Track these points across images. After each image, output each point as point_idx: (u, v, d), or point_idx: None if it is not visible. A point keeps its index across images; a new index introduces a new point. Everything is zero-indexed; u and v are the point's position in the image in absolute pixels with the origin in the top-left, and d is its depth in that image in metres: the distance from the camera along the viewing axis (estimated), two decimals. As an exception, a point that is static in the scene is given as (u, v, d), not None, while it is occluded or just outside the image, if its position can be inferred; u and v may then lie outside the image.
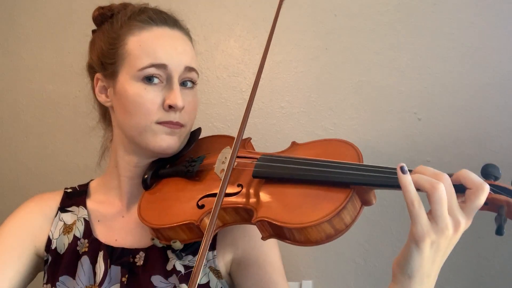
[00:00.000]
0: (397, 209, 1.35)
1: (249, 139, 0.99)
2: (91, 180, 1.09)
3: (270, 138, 1.46)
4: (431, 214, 0.65)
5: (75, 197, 1.03)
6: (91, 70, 0.99)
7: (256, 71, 0.88)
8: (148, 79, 0.89)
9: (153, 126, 0.90)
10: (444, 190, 0.64)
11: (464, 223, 0.66)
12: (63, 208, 1.01)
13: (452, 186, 0.66)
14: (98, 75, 0.96)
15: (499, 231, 0.64)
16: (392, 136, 1.39)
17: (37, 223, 0.99)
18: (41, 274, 1.01)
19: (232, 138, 1.00)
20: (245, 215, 0.82)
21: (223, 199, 0.75)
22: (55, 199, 1.02)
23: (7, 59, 1.63)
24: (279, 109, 1.46)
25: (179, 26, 0.97)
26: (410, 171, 0.69)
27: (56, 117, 1.59)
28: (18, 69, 1.62)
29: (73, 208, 1.01)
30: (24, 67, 1.62)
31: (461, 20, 1.36)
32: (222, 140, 1.01)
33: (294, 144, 0.93)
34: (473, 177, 0.66)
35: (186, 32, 0.98)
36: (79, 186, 1.07)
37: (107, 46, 0.93)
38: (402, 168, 0.67)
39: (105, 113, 1.03)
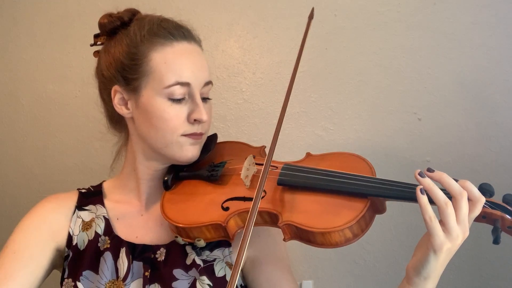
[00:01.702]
0: (397, 210, 1.35)
1: (263, 147, 1.07)
2: (103, 181, 1.12)
3: (270, 138, 1.45)
4: (444, 226, 0.76)
5: (91, 196, 1.07)
6: (106, 81, 1.00)
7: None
8: (174, 97, 0.94)
9: (179, 138, 0.96)
10: (452, 207, 0.76)
11: (468, 231, 0.78)
12: (80, 206, 1.05)
13: (467, 201, 0.77)
14: (116, 87, 0.98)
15: (496, 241, 0.77)
16: (392, 136, 1.39)
17: (56, 220, 1.02)
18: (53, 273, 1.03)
19: (247, 145, 1.10)
20: (267, 218, 0.90)
21: (258, 204, 0.83)
22: (72, 198, 1.06)
23: (7, 59, 1.63)
24: (279, 109, 1.46)
25: (194, 38, 1.01)
26: (432, 170, 0.80)
27: (56, 117, 1.59)
28: (18, 69, 1.62)
29: (90, 206, 1.05)
30: (24, 67, 1.62)
31: (461, 20, 1.36)
32: (238, 147, 1.10)
33: (309, 155, 1.02)
34: (475, 191, 0.79)
35: (200, 44, 1.04)
36: (92, 186, 1.11)
37: (128, 60, 0.96)
38: (421, 191, 0.78)
39: (119, 121, 1.05)
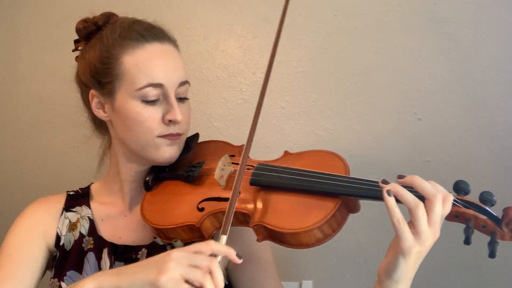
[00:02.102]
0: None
1: (243, 146, 1.03)
2: (92, 183, 1.13)
3: (270, 138, 1.46)
4: (414, 228, 0.74)
5: (78, 198, 1.08)
6: (84, 86, 1.02)
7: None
8: (147, 99, 0.94)
9: (155, 140, 0.96)
10: (424, 209, 0.74)
11: (439, 232, 0.76)
12: (67, 208, 1.06)
13: (441, 203, 0.75)
14: (93, 91, 0.99)
15: (467, 241, 0.75)
16: (392, 136, 1.39)
17: (46, 221, 1.04)
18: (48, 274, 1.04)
19: (226, 143, 1.08)
20: (242, 218, 0.89)
21: (234, 204, 0.82)
22: (59, 200, 1.08)
23: (7, 59, 1.63)
24: (279, 109, 1.46)
25: (167, 38, 1.00)
26: (403, 176, 0.79)
27: (56, 117, 1.59)
28: (18, 69, 1.62)
29: (77, 208, 1.07)
30: (24, 67, 1.62)
31: (461, 20, 1.36)
32: (218, 146, 1.08)
33: (286, 153, 1.01)
34: (442, 190, 0.77)
35: (174, 43, 1.02)
36: (80, 189, 1.12)
37: (101, 64, 0.96)
38: (388, 192, 0.76)
39: (101, 124, 1.06)
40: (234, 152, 1.03)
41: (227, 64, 1.49)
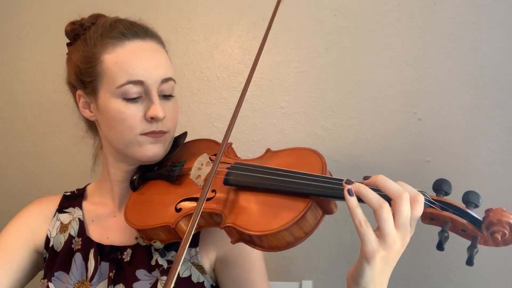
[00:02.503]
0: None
1: (230, 144, 1.02)
2: (89, 184, 1.14)
3: (270, 138, 1.46)
4: (379, 231, 0.69)
5: (73, 199, 1.10)
6: (72, 87, 1.04)
7: (256, 71, 0.88)
8: (128, 96, 0.93)
9: (138, 137, 0.95)
10: (389, 210, 0.68)
11: (410, 235, 0.70)
12: (61, 209, 1.08)
13: (409, 203, 0.69)
14: (79, 91, 1.00)
15: (439, 247, 0.68)
16: (392, 136, 1.39)
17: (36, 223, 1.05)
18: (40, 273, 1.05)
19: (214, 141, 1.05)
20: (217, 219, 0.87)
21: (201, 205, 0.76)
22: (54, 201, 1.09)
23: (7, 59, 1.63)
24: (279, 109, 1.46)
25: (150, 35, 0.99)
26: (368, 177, 0.73)
27: (56, 117, 1.59)
28: (18, 69, 1.62)
29: (70, 209, 1.08)
30: (24, 67, 1.62)
31: (461, 20, 1.36)
32: (204, 145, 1.05)
33: (268, 151, 0.96)
34: (411, 190, 0.71)
35: (158, 40, 1.01)
36: (77, 189, 1.13)
37: (83, 64, 0.97)
38: (349, 191, 0.71)
39: (91, 125, 1.07)
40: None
41: (227, 64, 1.49)
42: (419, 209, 0.70)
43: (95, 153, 1.12)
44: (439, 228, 0.72)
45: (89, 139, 1.11)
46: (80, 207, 1.07)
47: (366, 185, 0.72)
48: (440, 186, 0.74)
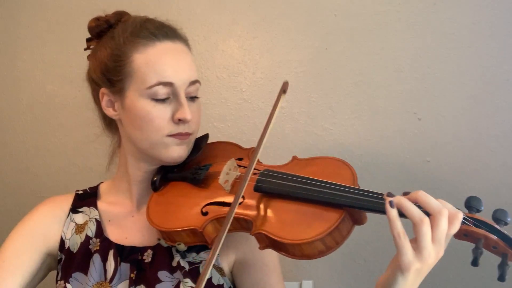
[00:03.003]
0: (397, 209, 1.35)
1: (253, 148, 1.02)
2: (101, 182, 1.12)
3: (270, 138, 1.45)
4: (416, 244, 0.70)
5: (86, 198, 1.07)
6: (94, 84, 1.01)
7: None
8: (157, 97, 0.93)
9: (164, 139, 0.95)
10: (429, 225, 0.70)
11: (443, 250, 0.72)
12: (74, 209, 1.06)
13: (447, 220, 0.70)
14: (103, 90, 0.99)
15: (474, 263, 0.71)
16: (392, 136, 1.39)
17: (49, 225, 1.03)
18: (52, 273, 1.04)
19: (234, 144, 1.06)
20: (244, 224, 0.87)
21: (234, 210, 0.80)
22: (67, 201, 1.07)
23: (7, 59, 1.63)
24: (279, 109, 1.46)
25: (179, 37, 1.00)
26: (408, 193, 0.74)
27: (56, 117, 1.59)
28: (18, 69, 1.62)
29: (84, 208, 1.06)
30: (24, 67, 1.62)
31: (461, 20, 1.36)
32: (227, 148, 1.06)
33: (295, 158, 0.98)
34: (451, 207, 0.72)
35: (185, 42, 1.02)
36: (89, 188, 1.11)
37: (112, 62, 0.96)
38: (390, 203, 0.72)
39: (111, 123, 1.06)
40: (243, 155, 1.01)
41: (227, 64, 1.49)
42: (457, 226, 0.71)
43: (112, 152, 1.10)
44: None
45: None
46: (96, 207, 1.05)
47: (407, 199, 0.73)
48: (473, 204, 0.75)
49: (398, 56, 1.39)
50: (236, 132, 1.47)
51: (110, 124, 1.06)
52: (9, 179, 1.63)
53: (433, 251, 0.70)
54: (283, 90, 0.97)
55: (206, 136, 1.06)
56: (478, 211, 0.76)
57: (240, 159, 0.99)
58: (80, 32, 1.56)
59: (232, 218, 0.79)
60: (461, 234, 0.74)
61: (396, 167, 1.37)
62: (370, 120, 1.40)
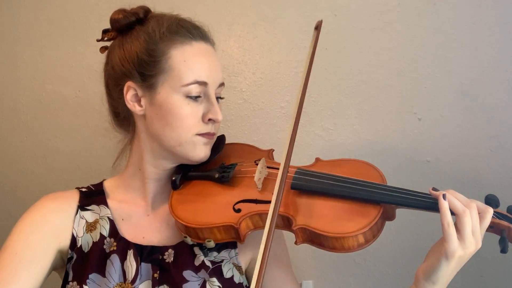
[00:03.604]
0: (398, 210, 1.35)
1: (272, 150, 1.08)
2: (104, 180, 1.09)
3: (270, 138, 1.46)
4: (460, 234, 0.80)
5: (93, 196, 1.04)
6: (118, 77, 0.98)
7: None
8: (192, 95, 0.95)
9: (194, 137, 0.96)
10: (470, 216, 0.80)
11: (480, 242, 0.82)
12: (82, 206, 1.01)
13: (477, 213, 0.81)
14: (130, 83, 0.97)
15: (503, 250, 0.81)
16: (392, 136, 1.39)
17: (59, 220, 0.98)
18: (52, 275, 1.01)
19: (254, 147, 1.10)
20: (280, 222, 0.91)
21: (278, 208, 0.85)
22: (73, 197, 1.03)
23: (7, 59, 1.63)
24: (279, 109, 1.46)
25: (210, 39, 1.03)
26: (436, 189, 0.84)
27: (56, 117, 1.59)
28: (18, 69, 1.62)
29: (93, 206, 1.02)
30: (24, 67, 1.62)
31: (461, 20, 1.36)
32: (246, 149, 1.10)
33: (318, 160, 1.04)
34: (480, 204, 0.83)
35: (214, 45, 1.05)
36: (92, 185, 1.08)
37: (146, 57, 0.95)
38: (443, 196, 0.81)
39: (127, 118, 1.02)
40: (263, 155, 1.05)
41: (227, 64, 1.49)
42: (488, 219, 0.82)
43: (122, 149, 1.07)
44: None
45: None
46: (106, 205, 1.02)
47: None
48: (492, 200, 0.85)
49: (398, 56, 1.39)
50: (236, 132, 1.47)
51: (125, 120, 1.03)
52: (9, 179, 1.63)
53: (473, 241, 0.80)
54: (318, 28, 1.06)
55: (223, 137, 1.08)
56: (497, 206, 0.85)
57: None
58: (80, 32, 1.57)
59: (277, 214, 0.84)
60: (488, 226, 0.83)
61: (396, 167, 1.37)
62: (370, 120, 1.40)
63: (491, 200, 0.85)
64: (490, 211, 0.82)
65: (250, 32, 1.49)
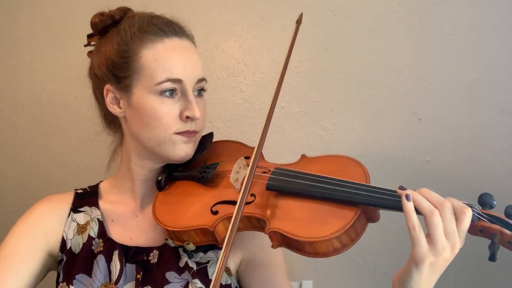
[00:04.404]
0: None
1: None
2: (101, 181, 1.11)
3: (270, 138, 1.46)
4: (429, 238, 0.72)
5: (86, 197, 1.05)
6: (98, 80, 0.99)
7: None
8: (165, 93, 0.92)
9: (172, 136, 0.94)
10: (439, 216, 0.72)
11: (459, 246, 0.73)
12: (75, 208, 1.03)
13: (453, 212, 0.73)
14: (108, 86, 0.97)
15: (492, 258, 0.72)
16: (392, 136, 1.39)
17: (50, 224, 1.00)
18: (51, 274, 1.03)
19: (242, 144, 1.05)
20: (256, 223, 0.87)
21: (242, 209, 0.80)
22: (67, 200, 1.04)
23: (7, 59, 1.63)
24: (279, 109, 1.46)
25: (186, 34, 0.99)
26: (404, 188, 0.76)
27: (56, 117, 1.59)
28: (18, 69, 1.62)
29: (85, 208, 1.03)
30: (24, 67, 1.62)
31: (461, 20, 1.36)
32: (233, 147, 1.05)
33: (304, 157, 0.97)
34: (457, 203, 0.74)
35: (192, 39, 1.01)
36: (89, 187, 1.09)
37: (118, 58, 0.94)
38: (407, 196, 0.74)
39: (113, 120, 1.04)
40: (249, 153, 1.00)
41: (227, 64, 1.49)
42: (467, 221, 0.73)
43: (113, 150, 1.08)
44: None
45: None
46: (97, 206, 1.03)
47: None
48: (485, 200, 0.77)
49: (398, 56, 1.39)
50: (236, 132, 1.47)
51: (113, 122, 1.04)
52: (9, 179, 1.63)
53: (447, 245, 0.72)
54: (299, 21, 1.00)
55: (211, 135, 1.05)
56: (491, 207, 0.77)
57: (248, 157, 0.98)
58: (80, 32, 1.56)
59: (240, 216, 0.79)
60: (477, 230, 0.76)
61: (396, 167, 1.37)
62: (370, 120, 1.40)
63: (484, 201, 0.77)
64: (467, 211, 0.72)
65: (250, 32, 1.49)
